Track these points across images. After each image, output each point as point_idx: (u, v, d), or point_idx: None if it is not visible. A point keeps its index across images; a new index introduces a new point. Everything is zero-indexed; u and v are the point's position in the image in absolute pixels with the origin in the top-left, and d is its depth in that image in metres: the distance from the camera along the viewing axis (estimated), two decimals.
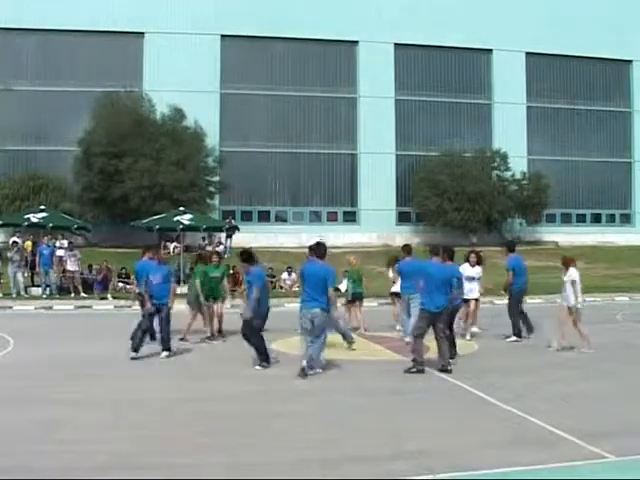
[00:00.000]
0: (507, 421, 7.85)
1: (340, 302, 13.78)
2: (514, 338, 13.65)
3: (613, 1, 40.96)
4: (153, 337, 12.24)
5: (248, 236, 32.87)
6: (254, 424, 7.67)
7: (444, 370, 10.32)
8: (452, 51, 39.85)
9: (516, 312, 13.90)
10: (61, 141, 35.86)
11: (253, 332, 10.70)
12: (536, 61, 40.85)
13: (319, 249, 10.69)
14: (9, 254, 23.04)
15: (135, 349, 11.62)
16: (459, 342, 12.15)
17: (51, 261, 22.96)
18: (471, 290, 13.63)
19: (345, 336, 12.73)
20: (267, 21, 36.84)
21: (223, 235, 32.26)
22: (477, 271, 14.05)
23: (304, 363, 10.10)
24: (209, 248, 31.84)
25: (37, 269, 23.63)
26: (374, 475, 6.09)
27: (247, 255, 11.00)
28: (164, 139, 33.68)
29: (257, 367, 10.71)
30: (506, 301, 14.46)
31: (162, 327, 11.83)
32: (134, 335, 11.76)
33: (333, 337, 14.45)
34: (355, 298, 15.32)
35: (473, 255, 14.19)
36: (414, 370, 10.14)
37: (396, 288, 14.23)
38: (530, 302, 21.44)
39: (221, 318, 14.05)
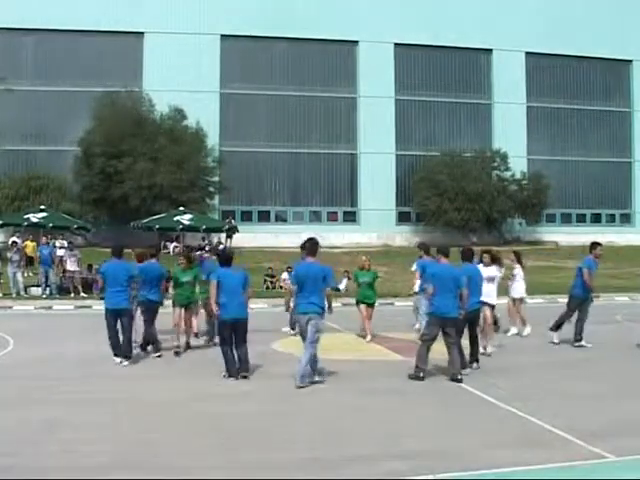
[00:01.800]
0: (507, 421, 7.86)
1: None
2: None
3: (613, 1, 40.99)
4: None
5: (248, 236, 32.93)
6: (254, 424, 7.67)
7: (455, 380, 9.80)
8: (452, 51, 39.86)
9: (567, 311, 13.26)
10: (61, 141, 35.90)
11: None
12: (536, 61, 40.86)
13: (311, 246, 10.11)
14: (9, 254, 23.04)
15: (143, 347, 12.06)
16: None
17: (51, 261, 22.96)
18: (488, 294, 12.03)
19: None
20: (267, 21, 36.84)
21: (223, 235, 32.29)
22: (492, 271, 12.65)
23: (298, 382, 9.45)
24: (209, 248, 31.94)
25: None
26: (374, 475, 6.09)
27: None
28: (163, 139, 33.70)
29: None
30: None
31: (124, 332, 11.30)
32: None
33: (333, 338, 14.46)
34: (364, 302, 13.96)
35: (486, 255, 12.93)
36: (414, 376, 9.87)
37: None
38: (530, 302, 21.49)
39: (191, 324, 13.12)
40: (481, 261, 12.66)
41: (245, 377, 9.94)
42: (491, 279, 12.32)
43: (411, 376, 9.88)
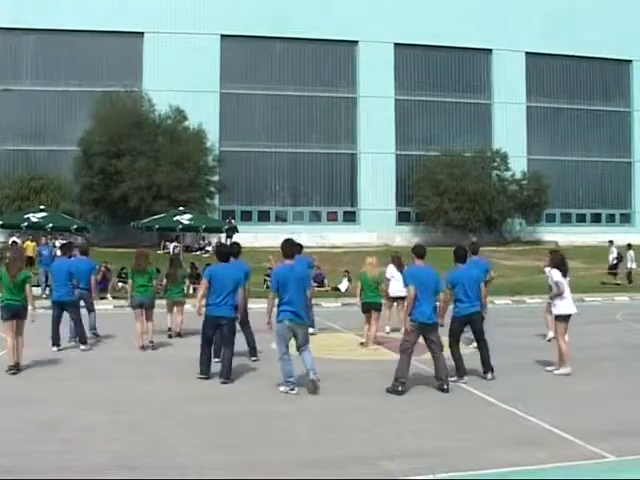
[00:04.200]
0: (507, 421, 7.86)
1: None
2: None
3: (613, 1, 40.98)
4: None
5: (248, 236, 32.86)
6: (254, 424, 7.67)
7: (442, 390, 9.22)
8: (452, 51, 39.86)
9: None
10: (61, 141, 35.89)
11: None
12: (536, 61, 40.87)
13: (289, 248, 9.63)
14: (8, 254, 23.01)
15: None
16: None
17: (51, 261, 22.95)
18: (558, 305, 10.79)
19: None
20: (267, 21, 36.84)
21: (223, 235, 32.27)
22: (558, 276, 10.95)
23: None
24: (209, 248, 31.97)
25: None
26: (374, 475, 6.09)
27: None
28: (162, 138, 33.69)
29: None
30: None
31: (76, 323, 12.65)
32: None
33: (332, 338, 14.44)
34: (369, 308, 13.00)
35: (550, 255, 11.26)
36: (392, 390, 9.08)
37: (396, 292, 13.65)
38: (529, 302, 21.53)
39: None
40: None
41: (225, 383, 9.61)
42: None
43: (389, 390, 9.11)
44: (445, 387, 9.23)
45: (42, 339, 12.77)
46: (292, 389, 9.08)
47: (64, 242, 12.87)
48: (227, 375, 9.70)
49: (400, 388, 9.11)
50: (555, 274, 10.92)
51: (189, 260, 24.96)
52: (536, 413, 7.92)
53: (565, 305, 10.71)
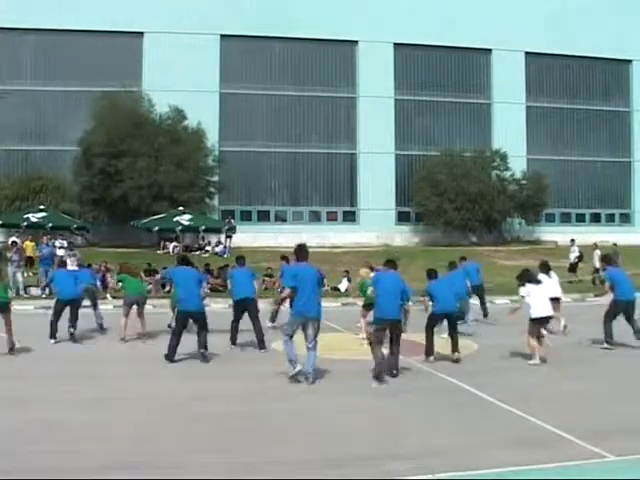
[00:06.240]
0: (507, 421, 7.86)
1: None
2: (605, 345, 12.64)
3: (613, 1, 40.97)
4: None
5: (248, 236, 32.91)
6: (254, 424, 7.68)
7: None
8: (452, 51, 39.83)
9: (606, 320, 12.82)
10: (61, 141, 35.83)
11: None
12: (536, 61, 40.84)
13: (304, 251, 10.29)
14: (8, 254, 23.06)
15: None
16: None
17: (51, 261, 22.98)
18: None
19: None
20: (267, 21, 36.80)
21: (223, 235, 32.31)
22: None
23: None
24: (208, 248, 31.99)
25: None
26: (374, 475, 6.09)
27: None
28: (162, 138, 33.65)
29: None
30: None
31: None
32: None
33: (332, 338, 14.45)
34: None
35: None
36: (375, 374, 9.81)
37: None
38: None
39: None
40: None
41: (204, 354, 11.16)
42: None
43: (373, 375, 9.80)
44: (394, 372, 10.12)
45: (41, 338, 12.80)
46: (294, 367, 9.72)
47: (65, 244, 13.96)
48: (205, 346, 11.28)
49: (380, 375, 9.74)
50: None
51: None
52: (536, 413, 7.93)
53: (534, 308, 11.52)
